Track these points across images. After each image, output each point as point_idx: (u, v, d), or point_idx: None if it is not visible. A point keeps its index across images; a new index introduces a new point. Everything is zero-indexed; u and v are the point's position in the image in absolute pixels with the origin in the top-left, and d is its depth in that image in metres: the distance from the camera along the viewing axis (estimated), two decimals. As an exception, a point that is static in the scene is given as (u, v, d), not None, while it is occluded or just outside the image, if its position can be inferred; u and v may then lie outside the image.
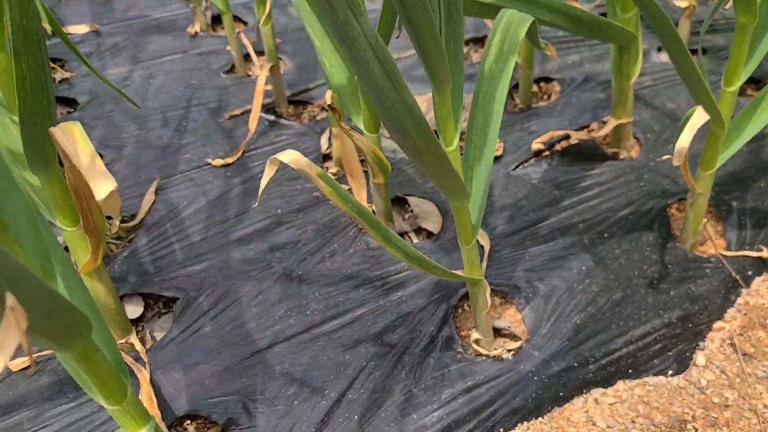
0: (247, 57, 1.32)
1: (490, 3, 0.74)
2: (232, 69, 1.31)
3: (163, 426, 0.63)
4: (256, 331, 0.77)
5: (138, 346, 0.73)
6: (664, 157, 1.01)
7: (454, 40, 0.58)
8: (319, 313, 0.79)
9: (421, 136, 0.49)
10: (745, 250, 0.89)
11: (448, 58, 0.57)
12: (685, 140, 0.63)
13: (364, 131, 0.80)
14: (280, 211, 0.91)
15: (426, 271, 0.62)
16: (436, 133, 0.62)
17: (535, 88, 1.21)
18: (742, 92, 1.18)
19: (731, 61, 0.72)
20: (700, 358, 0.81)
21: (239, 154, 1.03)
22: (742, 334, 0.83)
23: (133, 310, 0.80)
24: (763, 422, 0.75)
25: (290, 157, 0.51)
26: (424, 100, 1.13)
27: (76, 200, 0.58)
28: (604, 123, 1.08)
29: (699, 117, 0.63)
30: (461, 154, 0.65)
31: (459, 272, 0.69)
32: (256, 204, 0.56)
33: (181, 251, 0.87)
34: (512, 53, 0.61)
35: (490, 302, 0.73)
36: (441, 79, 0.52)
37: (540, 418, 0.75)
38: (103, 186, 0.47)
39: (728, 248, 0.91)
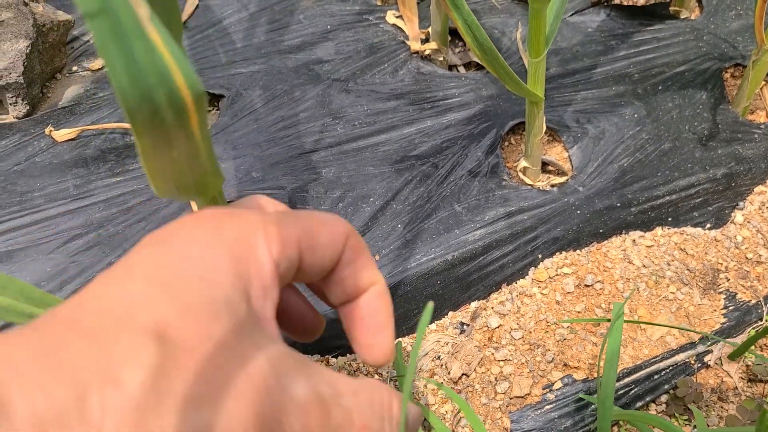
0: None
1: None
2: None
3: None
4: (303, 134, 0.75)
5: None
6: None
7: None
8: (366, 126, 0.77)
9: None
10: (799, 118, 0.87)
11: None
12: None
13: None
14: (329, 27, 0.88)
15: (493, 71, 0.60)
16: None
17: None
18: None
19: None
20: (738, 216, 0.81)
21: (285, -30, 0.98)
22: (782, 200, 0.83)
23: (176, 104, 0.78)
24: (795, 278, 0.76)
25: None
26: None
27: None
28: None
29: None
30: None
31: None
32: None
33: (225, 54, 0.83)
34: None
35: (545, 128, 0.72)
36: None
37: (578, 250, 0.75)
38: None
39: (779, 118, 0.89)
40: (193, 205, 0.66)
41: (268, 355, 0.28)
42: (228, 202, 0.69)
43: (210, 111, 0.80)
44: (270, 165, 0.72)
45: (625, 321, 0.53)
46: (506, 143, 0.82)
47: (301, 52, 0.84)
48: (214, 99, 0.80)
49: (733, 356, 0.60)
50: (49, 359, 0.24)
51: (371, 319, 0.37)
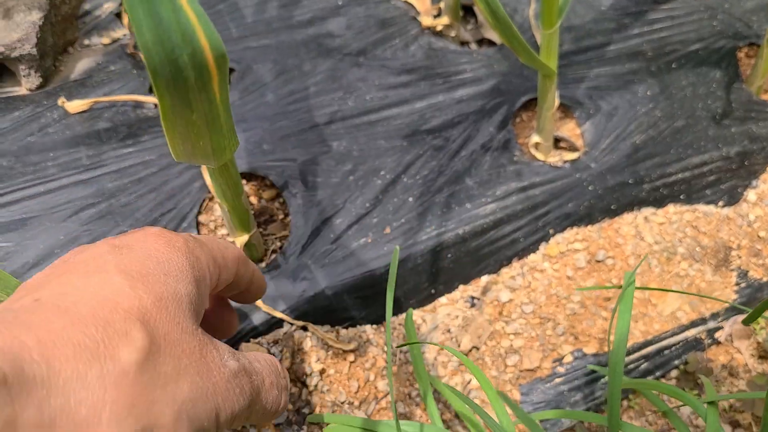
0: None
1: None
2: None
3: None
4: (314, 107, 0.75)
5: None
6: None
7: None
8: (378, 100, 0.77)
9: None
10: (814, 96, 0.87)
11: None
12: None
13: None
14: (340, 2, 0.87)
15: (506, 41, 0.59)
16: None
17: None
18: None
19: None
20: (751, 194, 0.81)
21: (297, -53, 0.97)
22: (795, 178, 0.82)
23: (188, 77, 0.78)
24: (808, 255, 0.76)
25: None
26: None
27: None
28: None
29: None
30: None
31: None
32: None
33: (236, 29, 0.83)
34: None
35: (558, 102, 0.71)
36: None
37: (590, 226, 0.75)
38: None
39: (794, 97, 0.88)
40: (205, 174, 0.66)
41: (211, 340, 0.35)
42: (240, 172, 0.69)
43: (221, 84, 0.80)
44: (280, 138, 0.72)
45: (637, 288, 0.53)
46: (518, 119, 0.81)
47: (312, 27, 0.84)
48: (226, 73, 0.80)
49: (747, 321, 0.60)
50: (57, 341, 0.27)
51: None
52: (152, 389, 0.29)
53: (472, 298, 0.69)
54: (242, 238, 0.60)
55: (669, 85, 0.84)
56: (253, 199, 0.69)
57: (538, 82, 0.69)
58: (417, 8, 0.88)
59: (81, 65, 0.78)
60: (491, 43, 0.89)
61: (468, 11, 0.92)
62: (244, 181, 0.70)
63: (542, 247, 0.73)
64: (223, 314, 0.49)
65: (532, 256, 0.72)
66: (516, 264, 0.72)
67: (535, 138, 0.75)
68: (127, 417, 0.27)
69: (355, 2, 0.88)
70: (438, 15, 0.86)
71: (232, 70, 0.79)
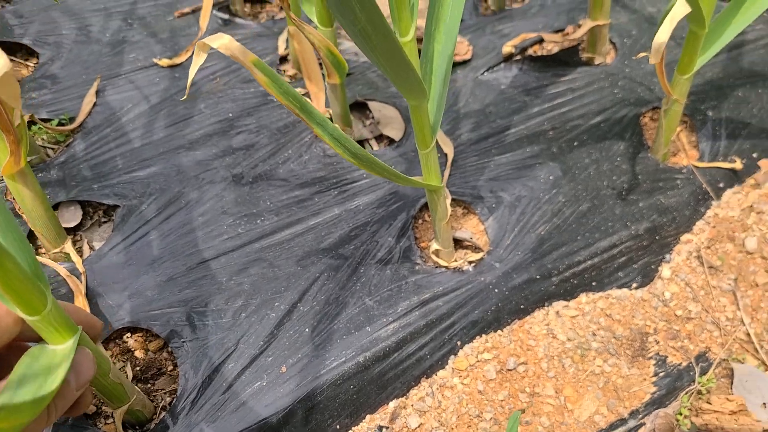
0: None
1: None
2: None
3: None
4: (203, 240, 0.72)
5: (73, 255, 0.68)
6: (641, 55, 0.96)
7: None
8: (270, 223, 0.74)
9: (370, 20, 0.43)
10: (718, 161, 0.86)
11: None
12: (664, 35, 0.58)
13: (318, 25, 0.74)
14: (231, 114, 0.85)
15: (378, 175, 0.57)
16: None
17: (508, -12, 1.14)
18: (725, -4, 1.12)
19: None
20: (665, 270, 0.79)
21: (188, 54, 0.95)
22: (709, 247, 0.81)
23: (70, 218, 0.75)
24: (724, 335, 0.74)
25: (221, 41, 0.45)
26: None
27: (-15, 92, 0.51)
28: (580, 26, 1.02)
29: (680, 9, 0.58)
30: (419, 50, 0.59)
31: (416, 178, 0.64)
32: (185, 97, 0.50)
33: (122, 157, 0.80)
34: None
35: (450, 211, 0.69)
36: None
37: (499, 331, 0.72)
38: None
39: (701, 159, 0.87)
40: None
41: None
42: (119, 329, 0.66)
43: (105, 222, 0.77)
44: (166, 281, 0.69)
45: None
46: (419, 221, 0.79)
47: (202, 147, 0.81)
48: (110, 209, 0.77)
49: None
50: None
51: None
52: None
53: (380, 428, 0.66)
54: (121, 409, 0.57)
55: (572, 166, 0.83)
56: (139, 353, 0.66)
57: (427, 196, 0.67)
58: (312, 110, 0.86)
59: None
60: (391, 140, 0.87)
61: (363, 107, 0.90)
62: (128, 335, 0.66)
63: (451, 360, 0.70)
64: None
65: (441, 373, 0.69)
66: (425, 383, 0.69)
67: (435, 246, 0.73)
68: None
69: (247, 112, 0.86)
70: (331, 119, 0.84)
71: (116, 207, 0.76)
